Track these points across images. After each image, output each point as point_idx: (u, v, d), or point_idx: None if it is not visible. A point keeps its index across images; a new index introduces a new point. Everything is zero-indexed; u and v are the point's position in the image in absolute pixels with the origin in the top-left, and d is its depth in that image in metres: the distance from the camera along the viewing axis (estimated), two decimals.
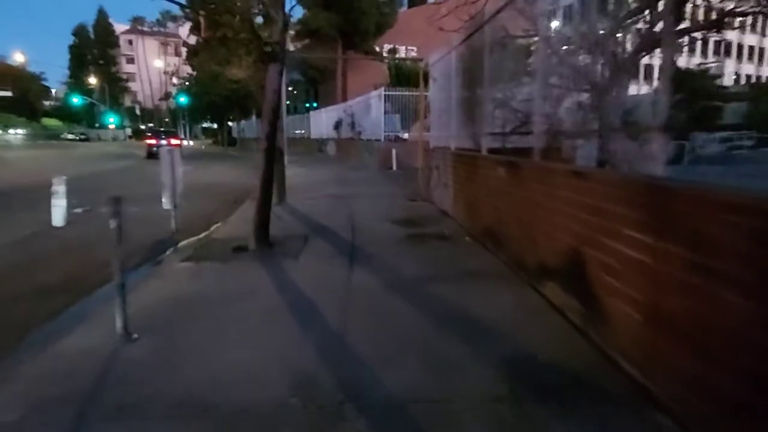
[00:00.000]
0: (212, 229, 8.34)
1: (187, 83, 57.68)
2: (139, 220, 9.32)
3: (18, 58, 79.94)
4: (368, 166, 20.00)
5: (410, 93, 19.66)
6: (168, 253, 6.63)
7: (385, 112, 20.06)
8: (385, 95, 19.86)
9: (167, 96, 79.53)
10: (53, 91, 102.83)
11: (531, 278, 4.92)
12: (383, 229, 7.79)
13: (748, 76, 65.35)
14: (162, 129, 42.42)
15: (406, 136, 20.30)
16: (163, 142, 30.16)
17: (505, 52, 7.09)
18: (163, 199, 8.06)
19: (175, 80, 74.23)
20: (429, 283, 5.00)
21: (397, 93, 19.97)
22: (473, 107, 8.23)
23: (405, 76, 25.40)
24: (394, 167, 18.30)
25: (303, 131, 39.10)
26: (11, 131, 74.44)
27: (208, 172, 20.75)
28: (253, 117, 44.60)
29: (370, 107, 21.67)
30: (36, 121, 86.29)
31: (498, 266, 5.65)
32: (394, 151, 18.53)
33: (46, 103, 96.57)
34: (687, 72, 22.43)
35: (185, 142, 66.45)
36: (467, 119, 8.55)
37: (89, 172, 20.00)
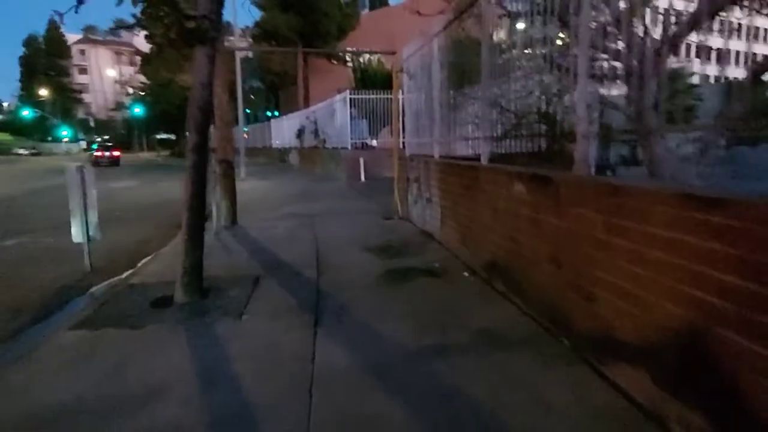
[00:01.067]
0: (139, 265, 6.57)
1: (141, 93, 55.28)
2: (51, 254, 7.45)
3: None
4: (334, 177, 18.31)
5: (378, 96, 18.08)
6: (65, 310, 4.86)
7: (352, 118, 18.40)
8: (350, 99, 18.19)
9: (119, 106, 76.42)
10: (5, 104, 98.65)
11: (583, 349, 3.33)
12: (356, 262, 6.13)
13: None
14: (107, 142, 44.70)
15: (374, 143, 18.70)
16: (107, 153, 38.12)
17: (505, 35, 5.59)
18: (72, 230, 6.28)
19: (130, 90, 71.27)
20: (433, 362, 3.35)
21: (364, 96, 18.31)
22: (465, 107, 6.68)
23: (371, 79, 23.80)
24: (363, 178, 16.71)
25: (266, 141, 37.08)
26: None
27: (156, 187, 18.72)
28: (211, 127, 42.47)
29: (335, 113, 19.98)
30: None
31: (522, 322, 4.03)
32: (362, 160, 16.92)
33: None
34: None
35: (142, 155, 64.07)
36: (456, 121, 7.00)
37: (20, 190, 17.78)
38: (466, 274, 5.47)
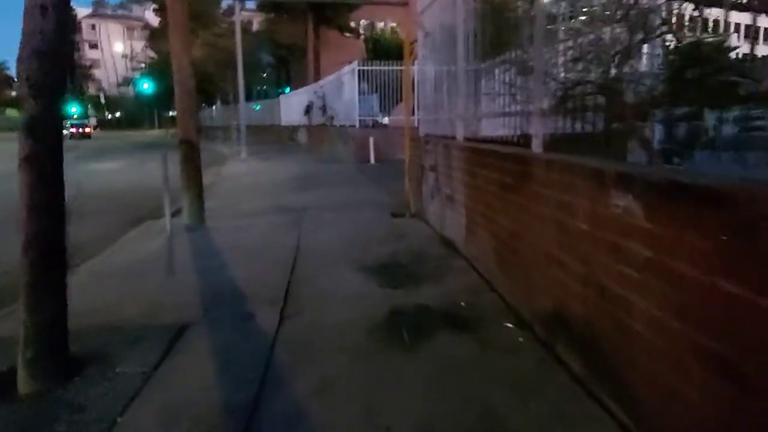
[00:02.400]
0: None
1: (147, 68, 53.88)
2: None
3: None
4: (341, 158, 16.30)
5: (390, 68, 15.90)
6: None
7: (361, 93, 16.26)
8: (359, 71, 16.03)
9: (127, 82, 74.87)
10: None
11: None
12: (345, 294, 4.19)
13: None
14: (78, 120, 53.90)
15: (386, 120, 16.59)
16: (80, 129, 48.46)
17: None
18: None
19: (142, 65, 69.39)
20: None
21: (375, 68, 16.06)
22: (505, 72, 4.69)
23: (384, 50, 21.58)
24: (372, 160, 14.72)
25: (275, 118, 35.00)
26: None
27: (140, 170, 16.56)
28: (218, 102, 40.57)
29: (343, 86, 17.88)
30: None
31: None
32: (371, 140, 14.91)
33: (13, 93, 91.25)
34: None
35: (150, 132, 62.54)
36: (488, 91, 5.03)
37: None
38: (509, 324, 3.51)
